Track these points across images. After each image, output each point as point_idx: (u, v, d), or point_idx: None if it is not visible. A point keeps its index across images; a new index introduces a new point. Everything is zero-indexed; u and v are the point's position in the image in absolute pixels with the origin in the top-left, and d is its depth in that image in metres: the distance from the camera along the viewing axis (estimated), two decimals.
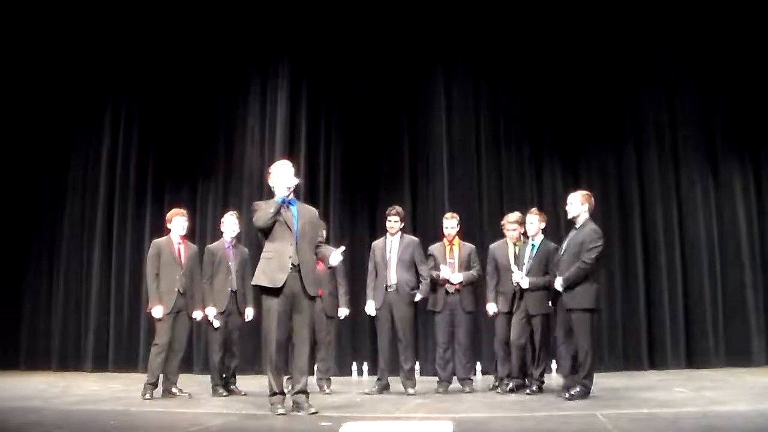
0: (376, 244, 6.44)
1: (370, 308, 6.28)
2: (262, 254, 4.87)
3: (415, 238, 6.52)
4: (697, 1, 8.54)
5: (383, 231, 6.56)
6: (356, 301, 6.96)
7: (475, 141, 8.88)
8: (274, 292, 4.74)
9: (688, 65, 8.59)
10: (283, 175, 4.91)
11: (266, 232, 4.84)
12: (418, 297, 6.25)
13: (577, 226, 5.61)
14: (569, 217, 5.72)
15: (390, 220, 6.32)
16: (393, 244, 6.29)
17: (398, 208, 6.39)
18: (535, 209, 6.22)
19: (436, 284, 6.31)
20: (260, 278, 4.80)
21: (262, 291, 4.83)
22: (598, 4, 8.68)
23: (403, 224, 6.40)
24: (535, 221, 6.05)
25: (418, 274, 6.27)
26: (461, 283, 6.26)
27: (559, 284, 5.45)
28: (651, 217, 8.39)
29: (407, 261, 6.23)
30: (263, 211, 4.81)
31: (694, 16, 8.51)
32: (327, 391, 6.32)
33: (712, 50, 8.49)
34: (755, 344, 7.96)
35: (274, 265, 4.77)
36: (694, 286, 8.25)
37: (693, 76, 8.58)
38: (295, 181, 4.94)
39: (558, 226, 7.61)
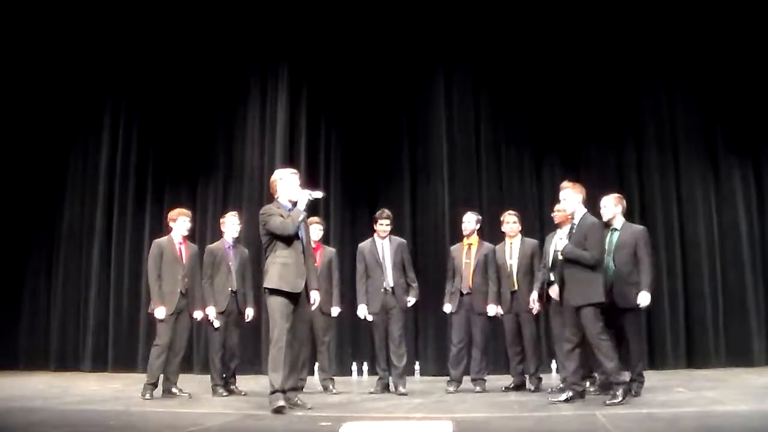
0: (364, 246, 6.43)
1: (362, 311, 6.30)
2: (278, 259, 4.94)
3: (403, 240, 6.58)
4: (697, 2, 8.54)
5: None
6: (355, 301, 6.95)
7: (475, 141, 8.89)
8: (288, 295, 4.86)
9: (688, 65, 8.58)
10: (295, 185, 5.07)
11: (289, 239, 4.92)
12: (411, 302, 6.36)
13: (576, 222, 5.33)
14: (567, 213, 5.50)
15: (382, 224, 6.34)
16: (384, 246, 6.32)
17: (388, 211, 6.45)
18: (617, 196, 5.73)
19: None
20: (279, 282, 4.87)
21: (272, 292, 4.89)
22: (598, 4, 8.68)
23: (391, 227, 6.43)
24: (609, 204, 5.67)
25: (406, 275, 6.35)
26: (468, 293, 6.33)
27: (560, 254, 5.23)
28: (651, 217, 8.37)
29: (399, 263, 6.30)
30: (290, 219, 4.91)
31: (695, 16, 8.51)
32: (333, 391, 6.31)
33: (713, 50, 8.49)
34: (755, 344, 7.96)
35: (293, 270, 4.91)
36: (694, 286, 8.24)
37: (693, 76, 8.58)
38: (320, 194, 5.16)
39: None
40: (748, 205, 8.38)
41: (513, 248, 6.38)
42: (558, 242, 5.31)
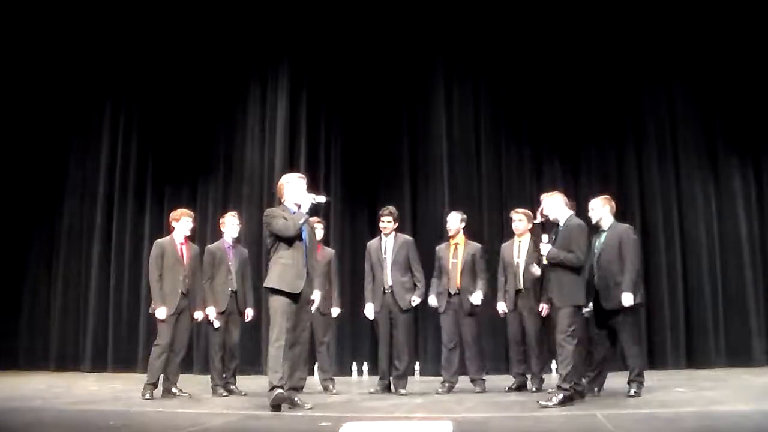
0: (372, 244, 6.39)
1: (369, 311, 6.26)
2: (279, 260, 4.99)
3: (410, 238, 6.48)
4: (696, 2, 8.54)
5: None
6: (357, 301, 6.95)
7: (475, 141, 8.89)
8: (289, 295, 4.90)
9: (687, 65, 8.59)
10: (301, 189, 5.13)
11: (291, 240, 4.97)
12: (415, 302, 6.23)
13: (562, 224, 5.30)
14: (551, 219, 5.43)
15: (383, 221, 6.28)
16: (387, 244, 6.26)
17: (391, 208, 6.35)
18: (605, 197, 5.76)
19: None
20: (279, 283, 4.93)
21: (273, 292, 4.93)
22: (598, 4, 8.68)
23: (396, 224, 6.35)
24: (597, 206, 5.67)
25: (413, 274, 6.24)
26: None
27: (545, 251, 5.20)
28: (651, 217, 8.39)
29: (402, 262, 6.20)
30: (291, 221, 4.96)
31: (695, 16, 8.51)
32: (333, 391, 6.31)
33: (712, 50, 8.49)
34: (755, 344, 7.96)
35: (293, 271, 4.96)
36: (694, 286, 8.24)
37: (693, 76, 8.58)
38: (323, 198, 5.18)
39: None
40: (748, 205, 8.38)
41: (521, 247, 6.31)
42: (542, 246, 5.23)
